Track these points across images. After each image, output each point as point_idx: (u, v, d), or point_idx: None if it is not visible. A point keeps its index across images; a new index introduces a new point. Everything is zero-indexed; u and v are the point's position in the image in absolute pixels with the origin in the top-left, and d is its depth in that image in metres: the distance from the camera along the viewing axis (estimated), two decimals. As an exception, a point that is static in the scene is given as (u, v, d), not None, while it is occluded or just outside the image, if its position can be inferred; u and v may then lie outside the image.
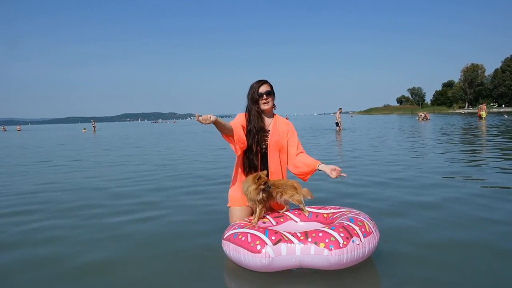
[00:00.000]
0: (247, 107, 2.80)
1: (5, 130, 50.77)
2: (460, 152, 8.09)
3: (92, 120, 35.55)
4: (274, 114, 2.91)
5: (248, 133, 2.72)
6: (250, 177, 2.51)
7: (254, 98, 2.75)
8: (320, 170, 2.71)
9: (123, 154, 10.57)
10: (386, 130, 18.83)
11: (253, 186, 2.44)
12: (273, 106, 2.84)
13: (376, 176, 5.36)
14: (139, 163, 8.10)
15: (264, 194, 2.49)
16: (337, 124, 20.23)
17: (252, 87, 2.78)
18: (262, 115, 2.81)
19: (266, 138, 2.77)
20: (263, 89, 2.75)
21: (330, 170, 2.63)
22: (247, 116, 2.78)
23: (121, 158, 9.41)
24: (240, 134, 2.61)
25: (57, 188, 5.32)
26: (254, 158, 2.72)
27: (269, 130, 2.80)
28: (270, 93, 2.77)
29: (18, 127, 54.81)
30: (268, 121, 2.84)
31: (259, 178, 2.45)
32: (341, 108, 20.92)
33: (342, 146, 11.03)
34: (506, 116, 29.81)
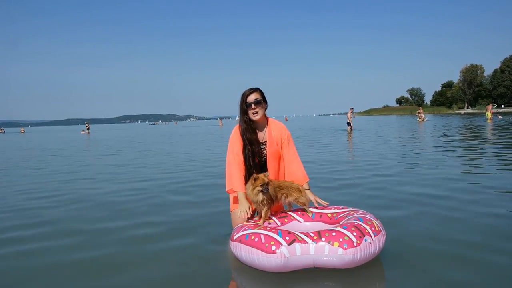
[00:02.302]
0: (239, 117, 2.77)
1: (3, 131, 50.77)
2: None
3: (86, 122, 36.28)
4: (268, 119, 2.82)
5: (243, 147, 2.71)
6: (250, 179, 2.54)
7: (243, 108, 2.70)
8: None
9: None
10: (394, 131, 18.83)
11: (250, 188, 2.48)
12: (265, 113, 2.78)
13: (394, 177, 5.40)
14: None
15: (264, 196, 2.50)
16: (348, 124, 19.88)
17: (242, 95, 2.72)
18: (254, 125, 2.75)
19: (264, 151, 2.76)
20: (251, 98, 2.67)
21: (312, 198, 2.73)
22: (240, 128, 2.75)
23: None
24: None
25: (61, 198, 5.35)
26: (253, 169, 2.69)
27: (265, 142, 2.76)
28: (260, 102, 2.68)
29: (22, 129, 54.91)
30: (262, 132, 2.78)
31: (256, 179, 2.47)
32: (352, 108, 20.39)
33: (360, 147, 11.05)
34: (500, 117, 29.49)
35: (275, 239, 2.15)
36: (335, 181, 5.16)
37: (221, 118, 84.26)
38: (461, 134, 14.01)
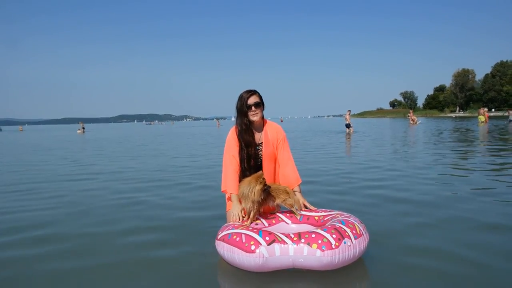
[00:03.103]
0: (236, 119, 2.78)
1: (0, 130, 50.60)
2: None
3: (80, 122, 36.45)
4: (265, 121, 2.85)
5: (240, 149, 2.73)
6: (252, 178, 2.51)
7: (242, 110, 2.71)
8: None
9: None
10: (388, 134, 18.93)
11: (259, 186, 2.46)
12: (262, 114, 2.81)
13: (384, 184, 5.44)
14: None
15: (264, 195, 2.52)
16: (347, 126, 19.65)
17: (240, 98, 2.73)
18: (252, 127, 2.77)
19: (260, 152, 2.78)
20: (252, 100, 2.70)
21: (300, 201, 2.76)
22: (237, 130, 2.76)
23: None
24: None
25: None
26: (248, 171, 2.72)
27: (261, 143, 2.79)
28: (259, 105, 2.72)
29: (20, 127, 54.83)
30: (258, 133, 2.81)
31: (264, 178, 2.48)
32: (350, 110, 20.24)
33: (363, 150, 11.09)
34: None
35: (255, 239, 2.17)
36: (331, 182, 5.17)
37: (218, 118, 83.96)
38: (454, 137, 14.13)
